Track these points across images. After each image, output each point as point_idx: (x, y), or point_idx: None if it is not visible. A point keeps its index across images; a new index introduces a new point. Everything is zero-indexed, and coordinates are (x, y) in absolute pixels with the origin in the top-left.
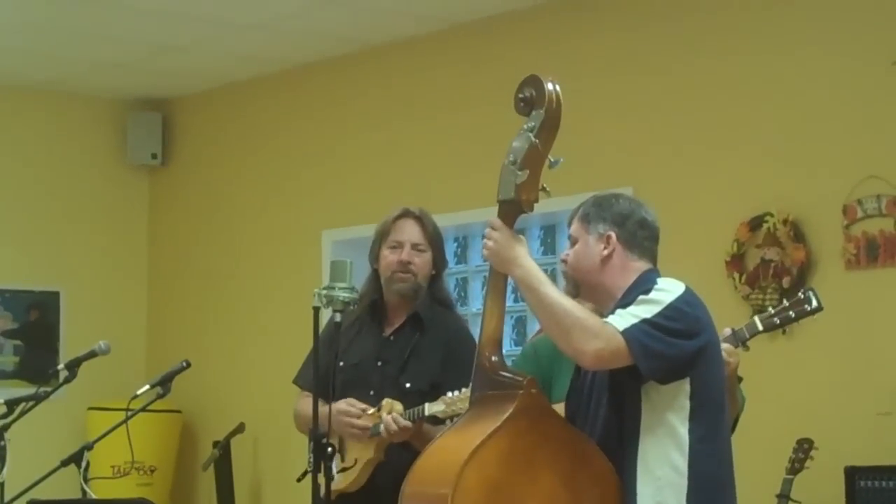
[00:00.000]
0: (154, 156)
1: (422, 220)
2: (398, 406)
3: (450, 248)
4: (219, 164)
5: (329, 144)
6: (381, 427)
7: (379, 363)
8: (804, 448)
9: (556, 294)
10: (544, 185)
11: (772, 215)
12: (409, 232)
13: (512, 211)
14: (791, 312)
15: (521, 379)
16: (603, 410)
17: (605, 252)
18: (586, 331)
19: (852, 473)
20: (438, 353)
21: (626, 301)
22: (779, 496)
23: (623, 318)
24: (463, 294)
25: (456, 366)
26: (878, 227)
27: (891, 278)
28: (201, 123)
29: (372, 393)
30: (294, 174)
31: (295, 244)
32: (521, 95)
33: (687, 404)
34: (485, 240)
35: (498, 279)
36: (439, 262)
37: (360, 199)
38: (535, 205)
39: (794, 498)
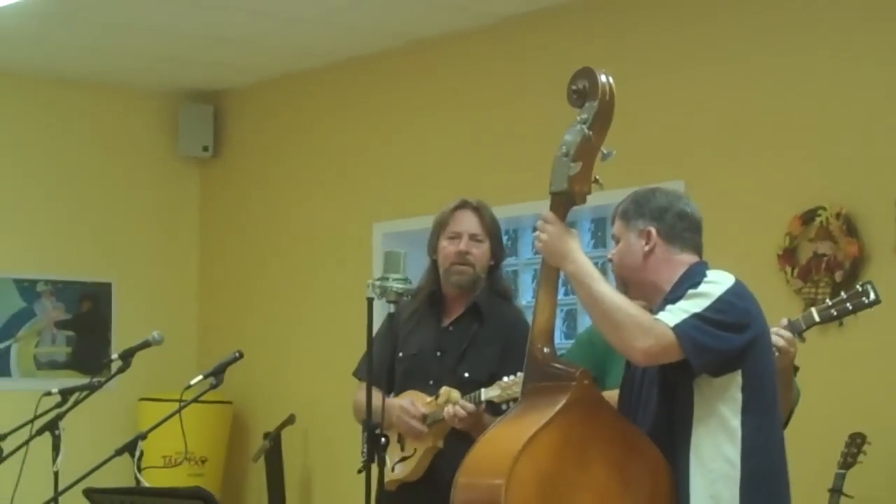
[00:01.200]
0: (205, 148)
1: (479, 210)
2: (455, 394)
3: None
4: (269, 156)
5: (379, 137)
6: (444, 413)
7: (438, 353)
8: (857, 442)
9: (607, 290)
10: (597, 178)
11: (824, 209)
12: (467, 223)
13: (564, 203)
14: (849, 304)
15: (573, 370)
16: (654, 402)
17: (647, 248)
18: (637, 327)
19: None
20: (497, 344)
21: (676, 295)
22: (831, 490)
23: (674, 314)
24: (513, 287)
25: (514, 356)
26: None
27: None
28: (252, 116)
29: (431, 383)
30: (344, 167)
31: (345, 237)
32: (574, 87)
33: (739, 396)
34: (537, 233)
35: (550, 272)
36: (498, 253)
37: (411, 192)
38: (587, 197)
39: (847, 492)
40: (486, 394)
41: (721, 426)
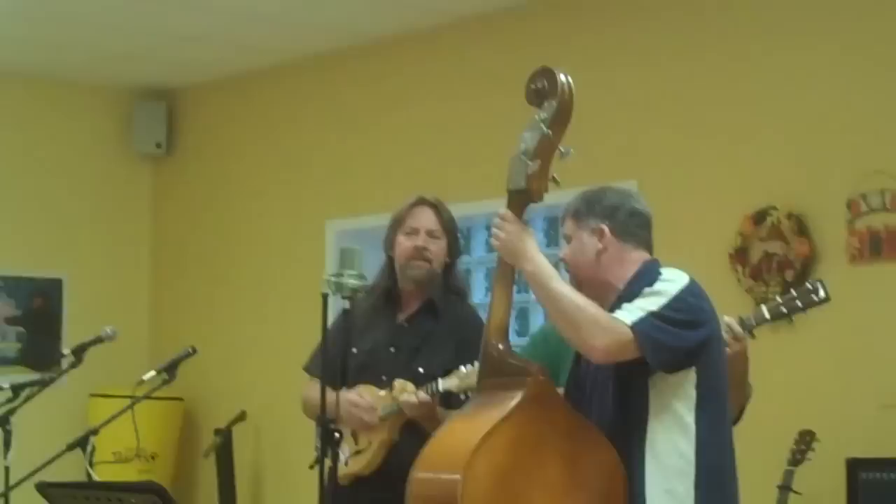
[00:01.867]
0: (159, 145)
1: (437, 207)
2: (410, 386)
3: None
4: (223, 153)
5: (333, 136)
6: (400, 401)
7: (392, 349)
8: (806, 440)
9: (565, 289)
10: (554, 176)
11: (776, 209)
12: (425, 219)
13: (522, 201)
14: (798, 302)
15: (529, 366)
16: (610, 399)
17: (600, 246)
18: (596, 326)
19: (854, 465)
20: (452, 341)
21: (632, 293)
22: (780, 487)
23: (631, 312)
24: (467, 285)
25: (469, 353)
26: (882, 221)
27: (894, 273)
28: (206, 113)
29: (385, 378)
30: (298, 165)
31: (299, 234)
32: (533, 86)
33: (693, 393)
34: (494, 231)
35: (506, 269)
36: (454, 250)
37: (364, 190)
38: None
39: (796, 489)
40: (443, 384)
41: (676, 422)
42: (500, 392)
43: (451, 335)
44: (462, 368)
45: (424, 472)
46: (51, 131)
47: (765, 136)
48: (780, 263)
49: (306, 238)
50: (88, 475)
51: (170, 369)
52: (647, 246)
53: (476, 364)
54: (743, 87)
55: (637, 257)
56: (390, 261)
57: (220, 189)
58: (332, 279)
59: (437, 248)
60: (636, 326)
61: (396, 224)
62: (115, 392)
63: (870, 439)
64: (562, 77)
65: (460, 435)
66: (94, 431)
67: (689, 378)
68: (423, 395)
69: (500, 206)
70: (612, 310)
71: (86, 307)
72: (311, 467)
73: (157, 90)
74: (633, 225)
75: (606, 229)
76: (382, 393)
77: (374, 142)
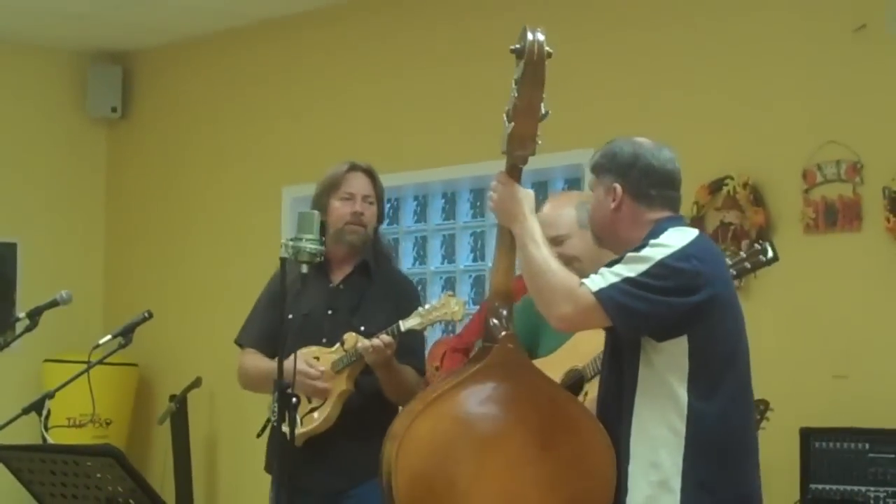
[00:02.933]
0: (114, 109)
1: (371, 173)
2: (361, 338)
3: (409, 208)
4: (179, 118)
5: (291, 101)
6: (360, 347)
7: (330, 311)
8: (760, 409)
9: (542, 254)
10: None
11: (732, 178)
12: (361, 185)
13: (508, 163)
14: (747, 263)
15: (499, 334)
16: (606, 370)
17: (614, 204)
18: (558, 293)
19: (807, 435)
20: (389, 300)
21: (618, 257)
22: None
23: (603, 277)
24: (422, 253)
25: (409, 308)
26: (837, 192)
27: (849, 243)
28: (162, 77)
29: (325, 341)
30: (255, 130)
31: (255, 200)
32: (512, 48)
33: (685, 363)
34: (490, 192)
35: (504, 233)
36: (382, 216)
37: (321, 157)
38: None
39: None
40: (405, 324)
41: (666, 393)
42: (477, 357)
43: (388, 294)
44: (420, 308)
45: (394, 424)
46: (4, 94)
47: (720, 106)
48: (735, 233)
49: (263, 203)
50: (44, 439)
51: (126, 333)
52: (668, 203)
53: (441, 297)
54: (698, 57)
55: (651, 217)
56: (321, 225)
57: (177, 154)
58: (291, 244)
59: (371, 213)
60: (601, 293)
61: (330, 189)
62: (69, 357)
63: (823, 409)
64: (530, 36)
65: (424, 395)
66: (50, 395)
67: (681, 347)
68: (385, 336)
69: (453, 172)
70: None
71: (39, 272)
72: (258, 436)
73: (113, 53)
74: (646, 185)
75: (619, 188)
76: (332, 349)
77: (332, 107)
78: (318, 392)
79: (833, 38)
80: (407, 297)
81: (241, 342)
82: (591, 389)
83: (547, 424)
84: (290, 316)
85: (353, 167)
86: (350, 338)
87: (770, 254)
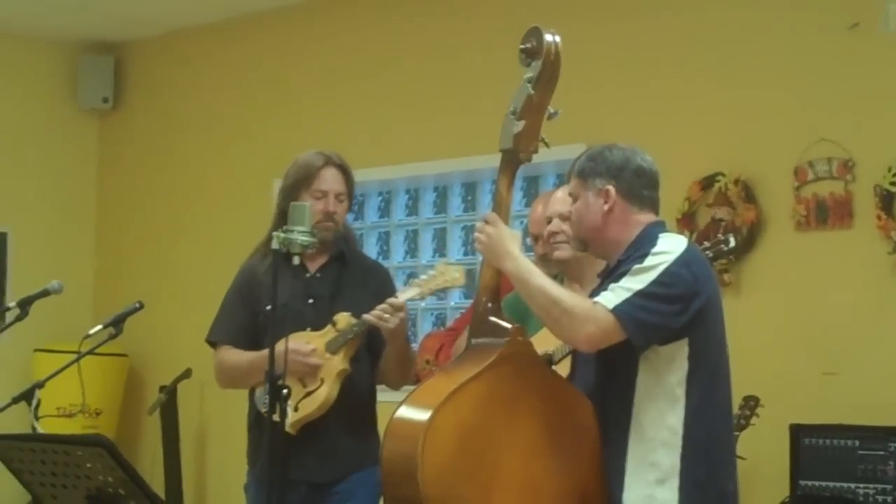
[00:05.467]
0: (105, 100)
1: (343, 168)
2: (353, 318)
3: (401, 201)
4: (170, 109)
5: (282, 93)
6: (371, 317)
7: (310, 300)
8: (750, 405)
9: (545, 284)
10: (543, 137)
11: (724, 175)
12: (333, 182)
13: (511, 161)
14: (709, 252)
15: (507, 326)
16: (597, 370)
17: (606, 206)
18: (575, 318)
19: (797, 431)
20: (367, 286)
21: (623, 270)
22: None
23: (615, 294)
24: (413, 246)
25: (389, 292)
26: (828, 189)
27: (840, 240)
28: (154, 68)
29: (309, 329)
30: (246, 122)
31: (245, 192)
32: (522, 46)
33: (686, 365)
34: (477, 234)
35: None
36: (350, 206)
37: (312, 149)
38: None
39: (740, 454)
40: (403, 295)
41: (665, 394)
42: (480, 351)
43: (364, 280)
44: (414, 279)
45: (396, 427)
46: None
47: (713, 102)
48: (726, 229)
49: (253, 195)
50: (34, 429)
51: (116, 324)
52: (654, 207)
53: (437, 265)
54: (690, 53)
55: (641, 219)
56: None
57: (168, 145)
58: (282, 236)
59: (343, 208)
60: (618, 310)
61: (303, 184)
62: (59, 347)
63: (813, 405)
64: (548, 37)
65: (433, 392)
66: (40, 385)
67: (682, 350)
68: (394, 300)
69: (445, 166)
70: (599, 287)
71: (30, 262)
72: (250, 429)
73: (104, 44)
74: (639, 186)
75: (612, 190)
76: (324, 330)
77: (323, 100)
78: (311, 369)
79: (826, 36)
80: (383, 281)
81: (213, 340)
82: (559, 370)
83: (555, 418)
84: (269, 307)
85: (327, 162)
86: (342, 318)
87: (732, 243)
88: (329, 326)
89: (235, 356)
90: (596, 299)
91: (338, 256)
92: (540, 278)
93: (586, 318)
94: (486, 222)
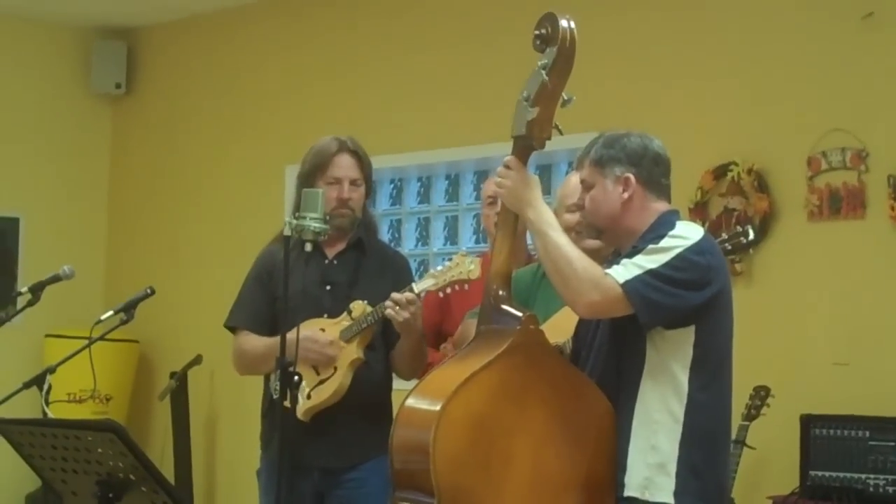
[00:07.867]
0: (118, 85)
1: (358, 154)
2: (368, 306)
3: (413, 189)
4: (183, 95)
5: (296, 78)
6: (385, 314)
7: (328, 287)
8: (761, 395)
9: (563, 241)
10: (557, 124)
11: (736, 164)
12: (348, 168)
13: (524, 147)
14: (728, 245)
15: (520, 314)
16: (605, 350)
17: (626, 195)
18: (585, 281)
19: (807, 421)
20: (386, 274)
21: (638, 248)
22: (734, 442)
23: (626, 269)
24: (425, 234)
25: (407, 280)
26: (841, 179)
27: (852, 231)
28: (167, 54)
29: (326, 316)
30: (259, 108)
31: (258, 178)
32: (537, 32)
33: (691, 352)
34: (498, 179)
35: (507, 216)
36: (369, 191)
37: (324, 135)
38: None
39: (750, 444)
40: (419, 286)
41: (669, 380)
42: (492, 339)
43: (383, 268)
44: (432, 270)
45: (407, 416)
46: (8, 69)
47: (726, 92)
48: (739, 218)
49: (266, 182)
50: (45, 414)
51: (127, 309)
52: (668, 193)
53: (454, 257)
54: (704, 43)
55: (658, 207)
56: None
57: (180, 130)
58: (295, 222)
59: (359, 195)
60: (628, 284)
61: (318, 171)
62: (70, 332)
63: (824, 396)
64: (563, 23)
65: (444, 381)
66: (52, 370)
67: (688, 337)
68: (408, 293)
69: (457, 153)
70: (611, 267)
71: (42, 247)
72: (264, 417)
73: (118, 29)
74: (657, 174)
75: (633, 177)
76: (337, 319)
77: (336, 87)
78: (327, 359)
79: (840, 26)
80: (402, 270)
81: (232, 325)
82: None
83: (567, 405)
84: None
85: (341, 148)
86: (357, 306)
87: (751, 236)
88: (344, 314)
89: (253, 341)
90: (607, 271)
91: (356, 244)
92: (559, 233)
93: (594, 286)
94: (508, 167)
